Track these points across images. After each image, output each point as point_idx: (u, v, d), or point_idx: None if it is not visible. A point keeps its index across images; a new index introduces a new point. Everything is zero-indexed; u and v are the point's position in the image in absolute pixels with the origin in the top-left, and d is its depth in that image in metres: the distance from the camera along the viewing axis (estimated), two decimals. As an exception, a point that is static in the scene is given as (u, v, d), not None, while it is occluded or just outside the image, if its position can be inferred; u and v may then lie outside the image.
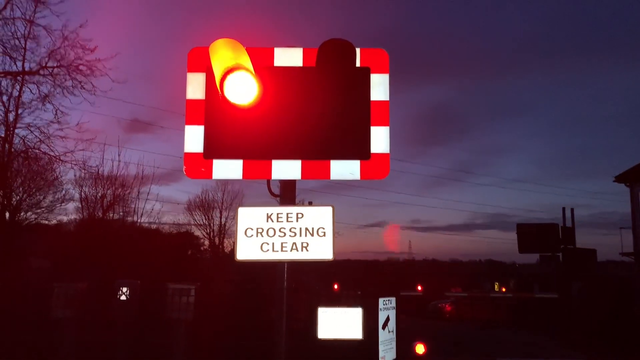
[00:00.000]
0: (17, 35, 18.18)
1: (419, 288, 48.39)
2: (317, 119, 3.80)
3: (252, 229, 3.86)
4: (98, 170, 21.51)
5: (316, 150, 3.83)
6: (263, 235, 3.85)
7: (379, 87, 3.92)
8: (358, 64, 3.93)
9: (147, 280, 14.22)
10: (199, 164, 3.82)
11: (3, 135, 19.37)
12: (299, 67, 3.86)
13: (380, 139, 3.86)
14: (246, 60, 3.51)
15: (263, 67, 3.86)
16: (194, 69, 3.90)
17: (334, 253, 3.84)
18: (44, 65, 19.14)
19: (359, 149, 3.83)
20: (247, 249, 3.83)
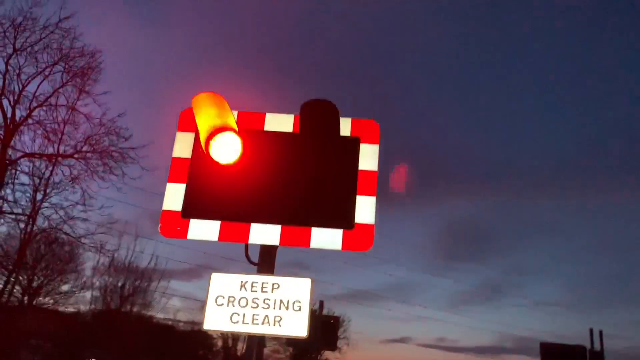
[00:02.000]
0: (57, 119, 19.26)
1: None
2: (301, 184, 3.67)
3: (223, 297, 3.59)
4: (113, 255, 21.60)
5: (297, 216, 3.65)
6: (234, 304, 3.57)
7: (368, 157, 3.80)
8: (349, 134, 3.87)
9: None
10: (176, 223, 3.67)
11: (29, 213, 19.84)
12: (288, 133, 3.81)
13: (365, 209, 3.67)
14: (231, 119, 3.48)
15: (251, 130, 3.83)
16: (184, 128, 3.89)
17: (309, 330, 3.51)
18: (79, 149, 20.02)
19: (342, 217, 3.64)
20: (216, 319, 3.54)
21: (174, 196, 3.73)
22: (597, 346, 15.28)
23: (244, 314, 3.54)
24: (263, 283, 3.62)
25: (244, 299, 3.58)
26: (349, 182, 3.72)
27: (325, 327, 13.80)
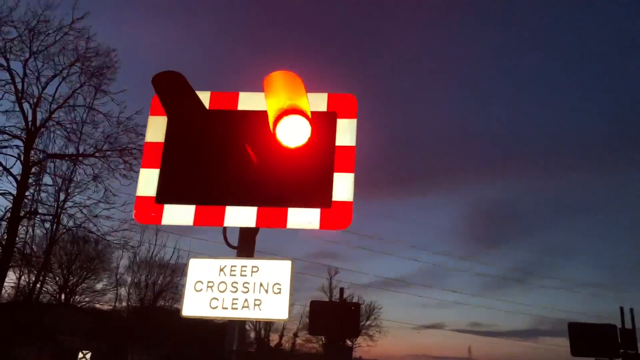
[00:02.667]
0: (76, 120, 19.55)
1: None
2: (275, 163, 3.55)
3: (202, 283, 3.51)
4: (135, 251, 21.92)
5: (273, 197, 3.53)
6: (213, 290, 3.49)
7: (346, 133, 3.65)
8: (325, 109, 3.72)
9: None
10: (150, 209, 3.59)
11: (54, 213, 20.26)
12: (261, 111, 3.68)
13: (343, 186, 3.53)
14: (304, 101, 3.38)
15: (223, 110, 3.72)
16: (156, 112, 3.80)
17: (289, 312, 3.41)
18: (99, 148, 20.31)
19: (319, 196, 3.51)
20: (195, 305, 3.46)
21: (147, 182, 3.65)
22: (628, 325, 14.80)
23: (223, 299, 3.45)
24: (242, 266, 3.53)
25: (223, 284, 3.49)
26: (326, 159, 3.58)
27: (346, 315, 13.69)
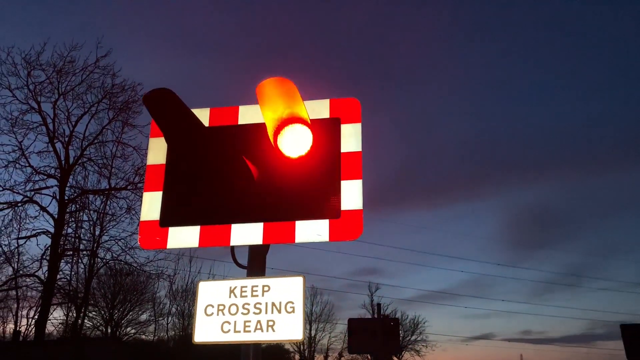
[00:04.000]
0: (106, 155, 19.97)
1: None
2: (280, 176, 3.39)
3: (212, 306, 3.36)
4: (171, 280, 22.05)
5: (279, 211, 3.37)
6: (225, 313, 3.33)
7: (350, 138, 3.48)
8: (328, 115, 3.56)
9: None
10: (154, 233, 3.48)
11: (91, 248, 20.62)
12: (261, 124, 3.54)
13: (352, 194, 3.33)
14: (302, 108, 3.25)
15: (223, 126, 3.60)
16: (156, 134, 3.71)
17: (304, 332, 3.22)
18: (130, 180, 20.65)
19: (327, 206, 3.33)
20: (207, 330, 3.31)
21: (151, 205, 3.55)
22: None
23: (235, 322, 3.29)
24: (253, 286, 3.36)
25: (234, 306, 3.33)
26: (332, 167, 3.41)
27: (385, 331, 13.35)
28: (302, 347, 49.63)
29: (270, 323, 3.24)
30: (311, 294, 50.31)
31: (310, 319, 49.96)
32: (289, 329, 3.21)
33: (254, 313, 3.28)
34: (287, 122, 3.34)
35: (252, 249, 3.52)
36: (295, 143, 3.39)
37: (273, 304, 3.28)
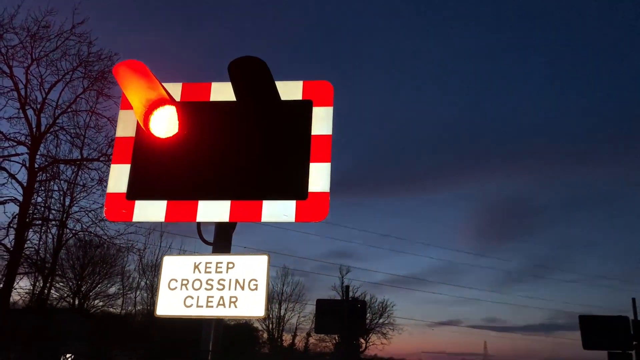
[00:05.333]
0: (79, 125, 19.58)
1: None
2: (248, 155, 3.41)
3: (176, 281, 3.38)
4: (141, 254, 21.92)
5: (247, 190, 3.40)
6: (188, 288, 3.36)
7: (322, 121, 3.51)
8: (300, 97, 3.58)
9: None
10: (121, 206, 3.47)
11: (60, 218, 20.31)
12: (233, 101, 3.54)
13: (320, 177, 3.38)
14: (162, 89, 3.26)
15: (195, 102, 3.59)
16: (127, 106, 3.68)
17: (267, 309, 3.27)
18: (103, 152, 20.32)
19: (294, 187, 3.36)
20: (169, 304, 3.34)
21: (118, 178, 3.53)
22: (641, 316, 14.48)
23: (197, 297, 3.32)
24: (217, 263, 3.40)
25: (198, 281, 3.36)
26: (301, 149, 3.44)
27: (352, 313, 13.54)
28: (270, 326, 50.06)
29: (233, 299, 3.29)
30: (282, 274, 50.66)
31: (280, 298, 50.34)
32: (252, 305, 3.26)
33: (217, 289, 3.32)
34: (157, 105, 3.40)
35: (219, 226, 3.54)
36: (165, 124, 3.45)
37: (237, 281, 3.32)
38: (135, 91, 3.24)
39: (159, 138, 3.45)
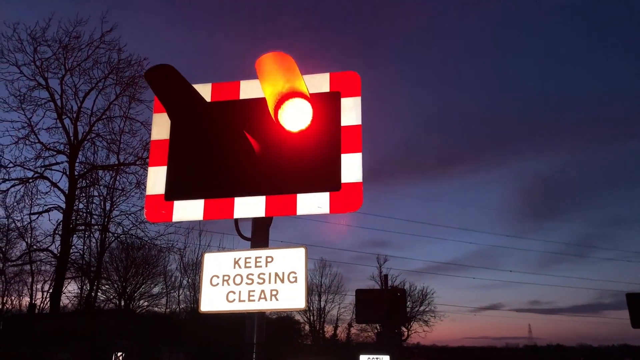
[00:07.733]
0: (114, 130, 20.08)
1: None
2: (281, 150, 3.46)
3: (218, 277, 3.47)
4: (182, 253, 22.38)
5: (281, 184, 3.44)
6: (230, 283, 3.44)
7: (351, 112, 3.52)
8: (328, 89, 3.60)
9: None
10: (160, 207, 3.57)
11: (102, 222, 20.91)
12: (262, 98, 3.58)
13: (352, 167, 3.40)
14: (301, 83, 3.30)
15: (225, 101, 3.65)
16: (159, 109, 3.78)
17: (307, 301, 3.32)
18: (139, 155, 20.80)
19: (327, 179, 3.39)
20: (212, 300, 3.42)
21: (156, 180, 3.63)
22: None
23: (239, 292, 3.40)
24: (256, 257, 3.46)
25: (239, 276, 3.43)
26: (332, 140, 3.46)
27: (392, 302, 13.55)
28: (312, 318, 50.44)
29: (274, 292, 3.35)
30: (320, 266, 50.86)
31: (319, 290, 50.61)
32: (292, 298, 3.31)
33: (258, 283, 3.39)
34: (288, 97, 3.39)
35: (256, 221, 3.60)
36: (295, 117, 3.44)
37: (276, 274, 3.38)
38: (270, 84, 3.28)
39: (192, 138, 3.52)
